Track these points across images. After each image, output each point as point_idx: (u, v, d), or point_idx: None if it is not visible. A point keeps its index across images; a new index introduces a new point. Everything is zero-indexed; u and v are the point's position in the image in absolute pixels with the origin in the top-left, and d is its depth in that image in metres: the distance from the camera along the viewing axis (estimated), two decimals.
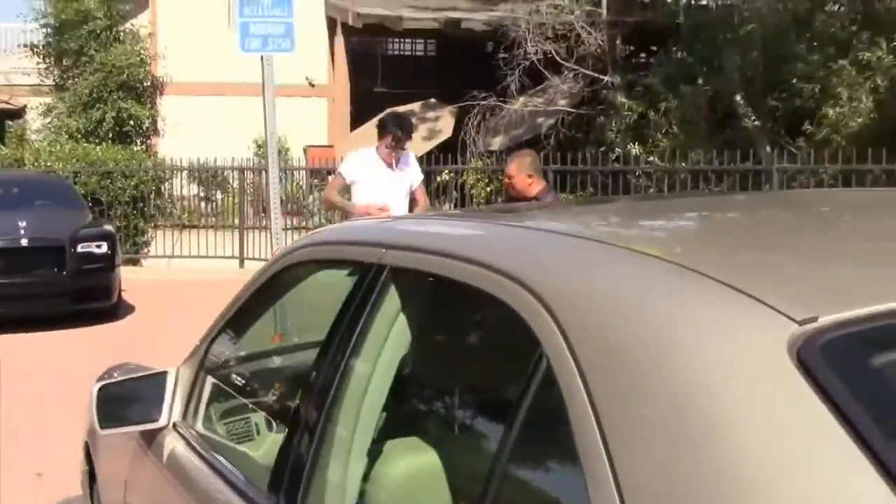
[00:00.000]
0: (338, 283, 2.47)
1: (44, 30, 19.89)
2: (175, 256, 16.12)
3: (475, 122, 16.25)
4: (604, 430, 1.15)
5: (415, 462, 1.96)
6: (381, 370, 1.92)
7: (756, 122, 13.63)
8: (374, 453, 1.93)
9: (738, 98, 13.87)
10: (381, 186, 6.77)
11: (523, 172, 6.01)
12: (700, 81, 14.19)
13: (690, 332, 1.19)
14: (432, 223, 2.32)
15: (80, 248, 10.70)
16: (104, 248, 10.94)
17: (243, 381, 3.04)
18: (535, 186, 5.99)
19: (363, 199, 6.72)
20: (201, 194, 18.64)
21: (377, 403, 1.93)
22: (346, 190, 7.01)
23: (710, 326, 1.18)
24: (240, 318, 2.80)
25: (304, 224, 16.95)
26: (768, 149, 12.33)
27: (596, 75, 14.61)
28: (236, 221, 16.78)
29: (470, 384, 2.09)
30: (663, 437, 1.12)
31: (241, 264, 15.83)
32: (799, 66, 12.12)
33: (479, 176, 16.28)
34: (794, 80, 12.56)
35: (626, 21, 15.53)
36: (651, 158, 13.26)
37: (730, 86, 13.99)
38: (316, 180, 18.84)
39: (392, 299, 1.92)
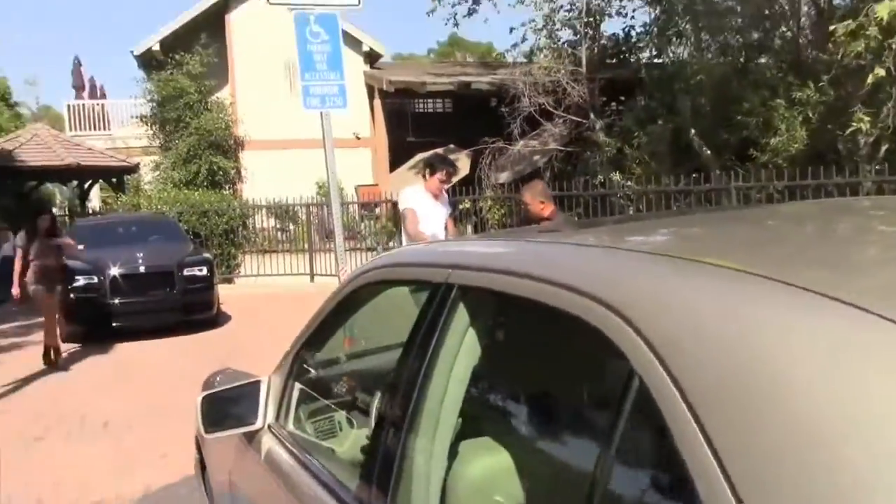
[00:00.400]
0: (408, 299, 2.21)
1: (150, 104, 19.92)
2: (260, 275, 15.98)
3: (487, 162, 16.05)
4: (713, 444, 0.87)
5: (489, 462, 1.68)
6: (455, 379, 1.64)
7: (708, 152, 13.37)
8: (453, 454, 1.66)
9: (692, 133, 13.61)
10: (433, 217, 6.48)
11: (536, 199, 5.76)
12: (660, 122, 14.01)
13: (800, 342, 0.89)
14: (492, 244, 2.02)
15: (185, 272, 10.50)
16: (204, 271, 10.75)
17: (326, 386, 2.75)
18: (547, 209, 5.75)
19: (426, 229, 6.30)
20: (277, 226, 18.56)
21: (454, 409, 1.65)
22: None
23: (821, 336, 0.89)
24: (321, 332, 2.52)
25: (358, 246, 16.81)
26: (717, 171, 12.03)
27: (580, 120, 14.32)
28: (306, 246, 16.70)
29: (538, 394, 1.80)
30: (787, 446, 0.82)
31: (312, 279, 15.69)
32: (745, 106, 11.76)
33: (492, 203, 16.08)
34: (740, 117, 12.24)
35: (602, 77, 15.23)
36: (628, 183, 12.91)
37: (685, 124, 13.75)
38: (365, 211, 18.79)
39: (461, 315, 1.64)
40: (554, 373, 1.72)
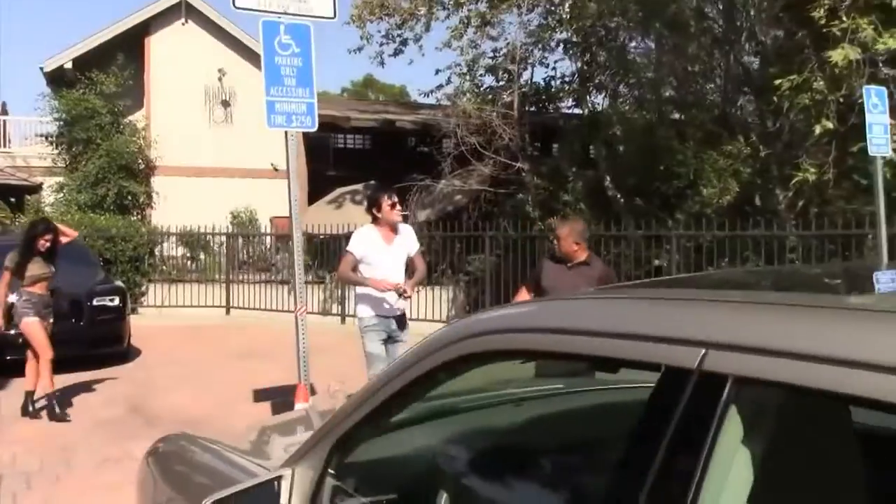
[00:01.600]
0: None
1: (57, 122, 18.39)
2: (168, 306, 14.68)
3: (414, 200, 15.44)
4: None
5: None
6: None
7: (621, 199, 13.22)
8: None
9: (606, 182, 13.45)
10: (386, 259, 5.75)
11: (571, 238, 5.29)
12: (575, 169, 13.85)
13: None
14: (794, 310, 1.23)
15: (95, 301, 9.29)
16: (116, 301, 9.53)
17: (407, 490, 1.90)
18: (581, 253, 5.34)
19: (375, 274, 5.67)
20: (187, 255, 17.30)
21: None
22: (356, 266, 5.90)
23: None
24: (380, 416, 1.73)
25: (272, 278, 15.79)
26: (631, 220, 11.81)
27: (509, 162, 13.87)
28: (218, 276, 15.55)
29: None
30: None
31: (228, 312, 14.51)
32: (677, 157, 11.58)
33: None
34: (666, 167, 12.08)
35: (530, 121, 14.91)
36: None
37: (601, 173, 13.60)
38: (280, 243, 17.80)
39: (733, 429, 0.95)
40: None
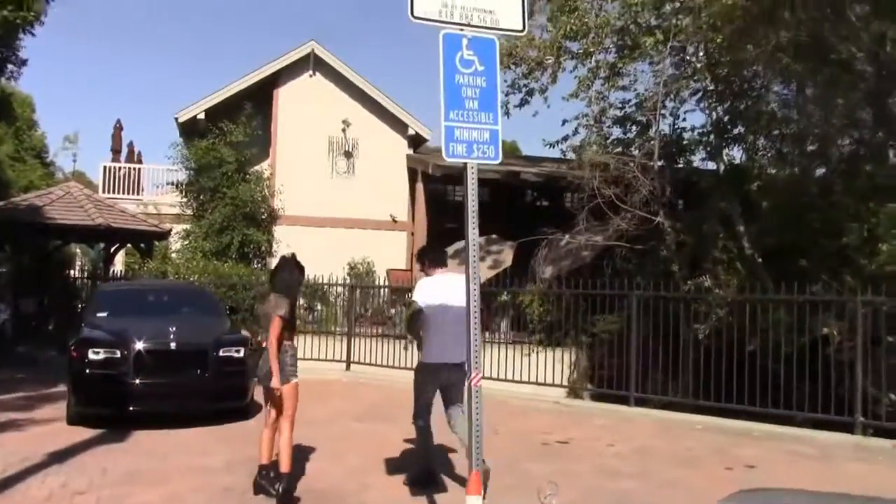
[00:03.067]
0: None
1: (187, 171, 18.48)
2: None
3: (542, 255, 14.45)
4: None
5: None
6: None
7: (759, 259, 11.87)
8: None
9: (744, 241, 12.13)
10: None
11: None
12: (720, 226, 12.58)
13: None
14: None
15: (221, 352, 8.64)
16: (241, 352, 8.87)
17: None
18: None
19: None
20: (304, 305, 16.78)
21: None
22: None
23: None
24: None
25: (388, 332, 15.00)
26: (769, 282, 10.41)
27: (647, 216, 12.71)
28: (335, 328, 14.92)
29: None
30: None
31: (348, 367, 13.75)
32: (848, 212, 10.18)
33: (532, 298, 14.40)
34: (826, 223, 10.66)
35: (669, 174, 13.73)
36: (717, 291, 11.14)
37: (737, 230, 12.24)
38: (395, 296, 17.10)
39: None
40: None
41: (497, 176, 18.33)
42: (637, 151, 14.65)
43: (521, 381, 11.89)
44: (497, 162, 4.48)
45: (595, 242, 13.84)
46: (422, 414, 6.27)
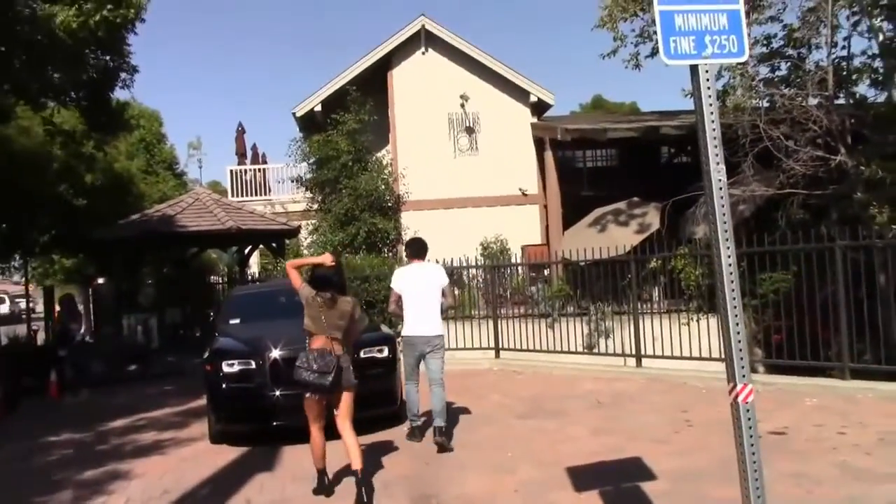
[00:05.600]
0: None
1: (309, 166, 17.84)
2: None
3: (693, 212, 12.70)
4: None
5: None
6: None
7: None
8: None
9: None
10: None
11: None
12: None
13: None
14: None
15: (362, 354, 7.58)
16: (385, 352, 7.81)
17: None
18: None
19: None
20: (455, 302, 15.69)
21: None
22: None
23: None
24: None
25: (530, 312, 13.68)
26: None
27: (828, 156, 10.72)
28: (476, 313, 13.72)
29: None
30: None
31: (497, 354, 12.54)
32: None
33: (685, 262, 12.67)
34: None
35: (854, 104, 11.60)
36: None
37: None
38: (534, 273, 15.76)
39: None
40: None
41: (633, 133, 16.64)
42: (788, 89, 12.65)
43: (681, 357, 10.33)
44: (742, 59, 3.09)
45: (761, 193, 11.94)
46: (409, 376, 7.36)
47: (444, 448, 6.80)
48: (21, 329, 19.89)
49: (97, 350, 14.69)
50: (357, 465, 5.45)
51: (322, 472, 5.81)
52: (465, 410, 8.63)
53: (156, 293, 17.77)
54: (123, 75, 12.37)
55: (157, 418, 9.50)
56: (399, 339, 7.65)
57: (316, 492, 5.75)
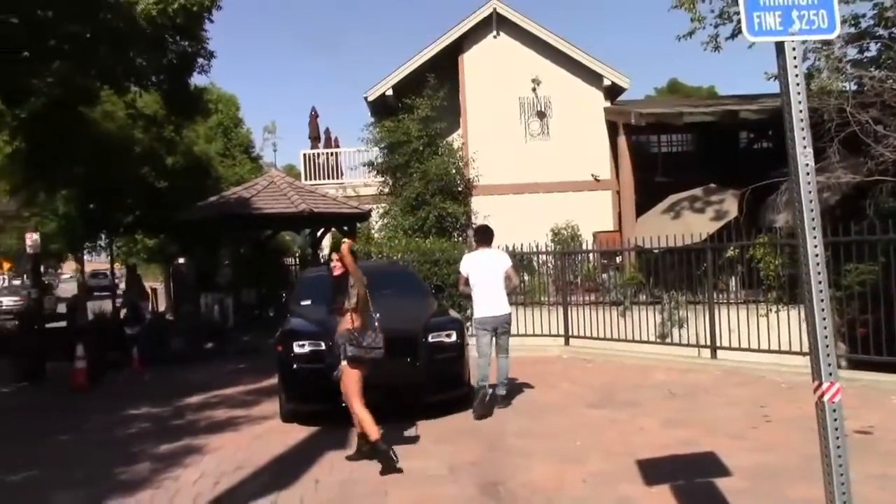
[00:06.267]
0: None
1: (380, 150, 17.90)
2: None
3: (774, 201, 12.19)
4: None
5: None
6: None
7: None
8: None
9: None
10: None
11: None
12: None
13: None
14: None
15: (431, 338, 7.56)
16: (454, 336, 7.75)
17: None
18: None
19: None
20: (520, 282, 15.55)
21: None
22: None
23: None
24: None
25: (601, 300, 13.39)
26: None
27: None
28: (546, 299, 13.54)
29: None
30: None
31: (567, 342, 12.38)
32: None
33: (766, 250, 12.17)
34: None
35: None
36: None
37: None
38: (606, 260, 15.46)
39: None
40: None
41: (711, 118, 16.10)
42: (878, 71, 11.98)
43: (759, 350, 9.95)
44: (833, 35, 2.90)
45: (847, 180, 11.38)
46: (484, 353, 7.78)
47: (493, 408, 7.66)
48: (107, 305, 20.68)
49: (177, 327, 15.14)
50: (375, 434, 5.94)
51: (379, 443, 5.91)
52: (534, 398, 8.53)
53: (232, 273, 18.17)
54: (201, 60, 12.65)
55: (230, 395, 9.71)
56: (469, 323, 8.27)
57: (383, 472, 5.77)
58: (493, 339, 7.79)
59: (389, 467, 5.78)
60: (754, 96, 17.16)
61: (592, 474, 5.57)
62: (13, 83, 11.44)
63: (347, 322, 6.16)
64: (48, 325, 13.57)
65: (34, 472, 6.42)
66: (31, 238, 15.04)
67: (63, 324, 13.59)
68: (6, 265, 41.84)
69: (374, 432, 5.94)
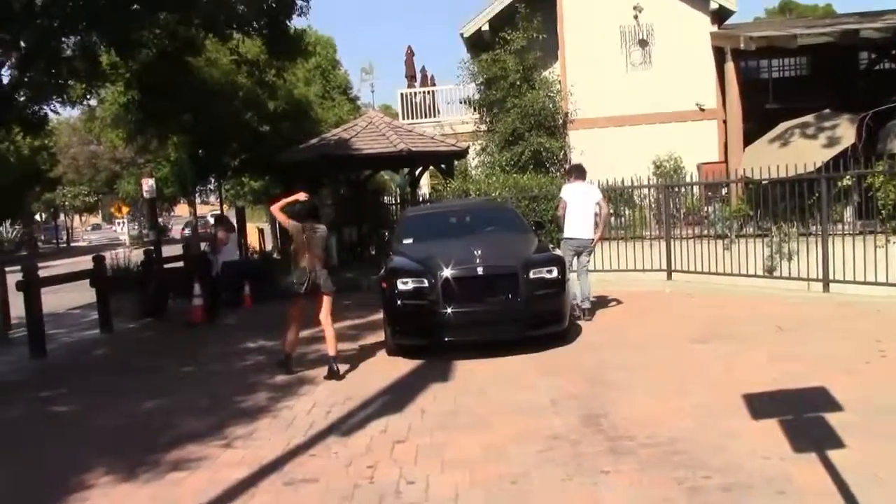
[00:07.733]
0: None
1: (478, 86, 17.77)
2: (600, 270, 12.64)
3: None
4: None
5: None
6: None
7: None
8: None
9: None
10: None
11: None
12: None
13: None
14: None
15: (531, 274, 7.63)
16: (555, 272, 7.79)
17: None
18: None
19: None
20: (610, 212, 15.31)
21: None
22: None
23: None
24: None
25: (705, 233, 13.03)
26: None
27: None
28: (647, 233, 13.31)
29: None
30: None
31: (669, 276, 12.20)
32: None
33: (884, 179, 11.46)
34: None
35: None
36: None
37: None
38: (710, 192, 14.96)
39: None
40: None
41: (828, 38, 15.06)
42: None
43: (875, 283, 9.53)
44: None
45: None
46: (568, 269, 8.73)
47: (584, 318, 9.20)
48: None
49: (283, 266, 15.75)
50: (332, 352, 7.26)
51: (289, 358, 7.60)
52: (636, 332, 8.51)
53: (334, 213, 18.68)
54: (300, 2, 12.80)
55: (336, 330, 10.08)
56: (560, 240, 9.88)
57: (282, 370, 7.49)
58: (576, 258, 9.35)
59: (287, 369, 7.50)
60: (877, 13, 15.95)
61: (696, 407, 5.56)
62: (124, 35, 11.95)
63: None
64: (167, 266, 14.39)
65: (163, 401, 6.96)
66: (147, 183, 15.83)
67: (180, 264, 14.36)
68: (125, 209, 44.36)
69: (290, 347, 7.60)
